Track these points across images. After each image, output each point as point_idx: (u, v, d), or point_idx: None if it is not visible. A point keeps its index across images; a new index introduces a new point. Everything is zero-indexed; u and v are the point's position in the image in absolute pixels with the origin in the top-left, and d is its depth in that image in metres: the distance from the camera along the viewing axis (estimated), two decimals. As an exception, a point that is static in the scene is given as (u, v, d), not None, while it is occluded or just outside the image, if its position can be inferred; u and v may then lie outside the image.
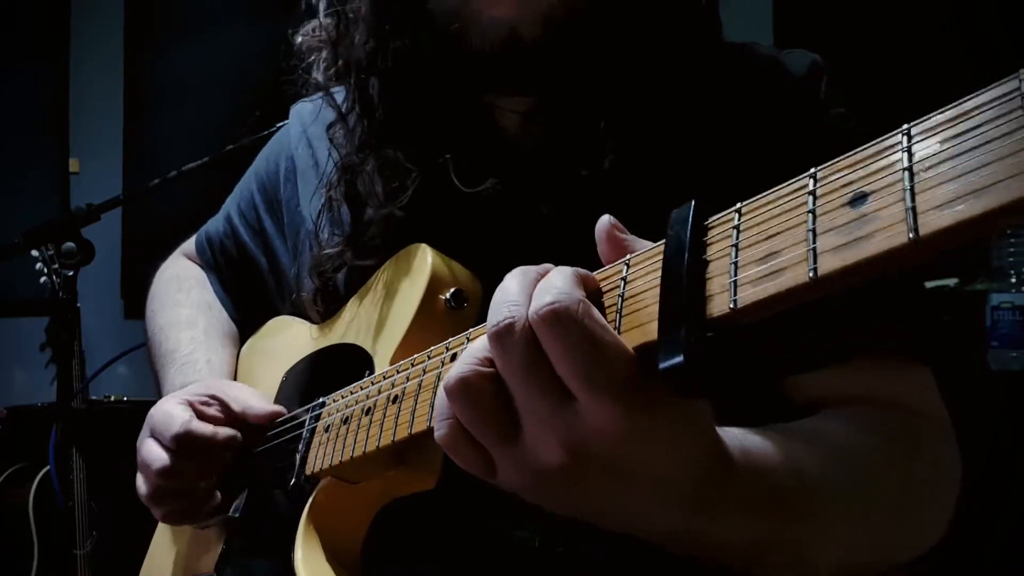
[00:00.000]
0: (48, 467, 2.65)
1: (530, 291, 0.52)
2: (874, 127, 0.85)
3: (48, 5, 3.96)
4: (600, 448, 0.52)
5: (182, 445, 0.89)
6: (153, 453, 0.90)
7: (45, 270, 2.42)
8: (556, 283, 0.52)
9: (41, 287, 2.43)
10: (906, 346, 0.79)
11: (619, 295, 0.55)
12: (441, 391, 0.55)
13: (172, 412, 0.90)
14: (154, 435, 0.91)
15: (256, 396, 0.94)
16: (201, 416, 0.92)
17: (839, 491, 0.68)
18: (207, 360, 1.07)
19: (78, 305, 2.42)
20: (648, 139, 0.82)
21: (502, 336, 0.52)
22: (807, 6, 3.27)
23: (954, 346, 0.81)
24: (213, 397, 0.93)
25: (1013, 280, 2.37)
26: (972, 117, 0.40)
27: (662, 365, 0.48)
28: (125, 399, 3.19)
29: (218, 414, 0.93)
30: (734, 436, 0.61)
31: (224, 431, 0.90)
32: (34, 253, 2.44)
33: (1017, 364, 2.31)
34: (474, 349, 0.54)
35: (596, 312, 0.51)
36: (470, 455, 0.56)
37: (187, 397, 0.93)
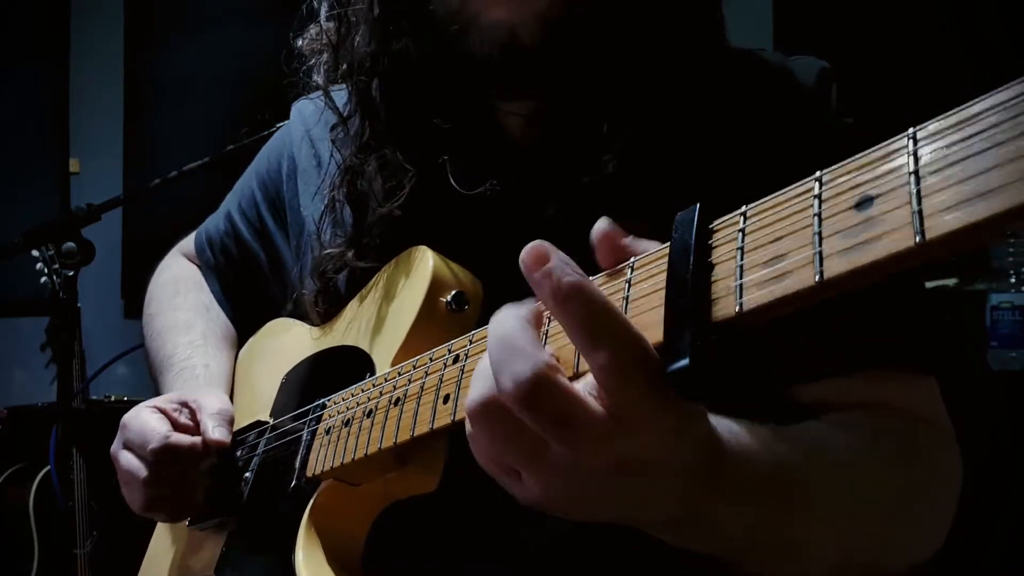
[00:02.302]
0: (48, 467, 2.65)
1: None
2: (876, 128, 0.85)
3: (48, 5, 3.96)
4: (637, 452, 0.52)
5: (162, 457, 0.90)
6: (134, 465, 0.91)
7: (45, 270, 2.42)
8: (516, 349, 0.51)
9: (41, 287, 2.43)
10: (910, 354, 0.79)
11: (623, 297, 0.54)
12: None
13: (148, 424, 0.91)
14: (130, 447, 0.92)
15: (215, 417, 0.93)
16: (175, 424, 0.93)
17: (834, 488, 0.68)
18: (205, 365, 1.07)
19: (78, 305, 2.42)
20: (653, 142, 0.81)
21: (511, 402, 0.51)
22: (807, 6, 3.27)
23: (955, 347, 0.81)
24: (184, 404, 0.94)
25: (1013, 280, 2.37)
26: (978, 121, 0.40)
27: (669, 368, 0.48)
28: (125, 399, 3.19)
29: (188, 421, 0.94)
30: (722, 421, 0.61)
31: (208, 437, 0.91)
32: (34, 253, 2.44)
33: (1017, 364, 2.32)
34: (486, 370, 0.53)
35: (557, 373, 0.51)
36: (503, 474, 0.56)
37: (159, 404, 0.94)
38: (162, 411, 0.93)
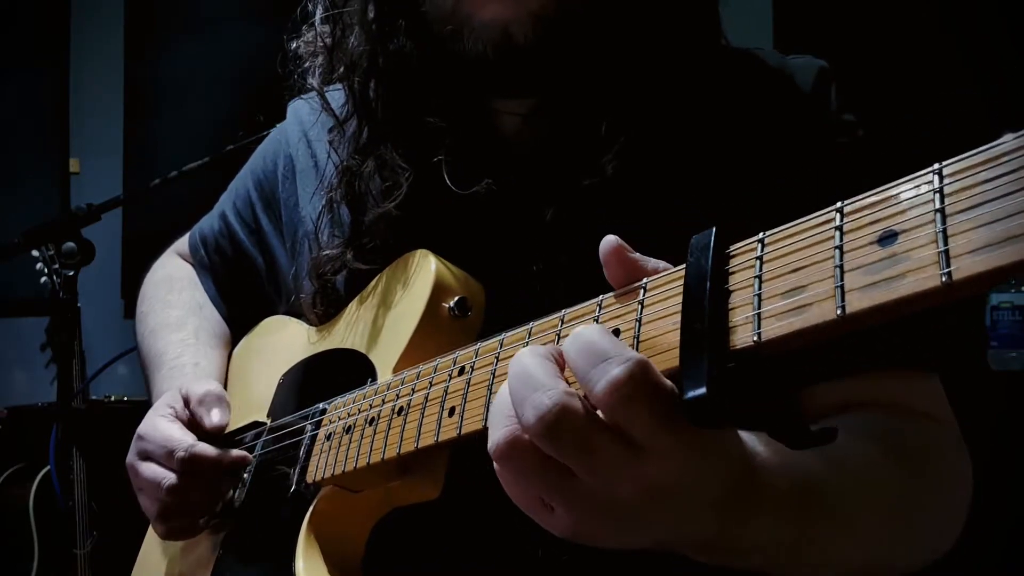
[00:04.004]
0: (48, 467, 2.65)
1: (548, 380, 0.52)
2: (876, 128, 0.85)
3: (48, 5, 3.96)
4: (666, 478, 0.52)
5: (187, 467, 0.89)
6: (158, 473, 0.90)
7: (45, 270, 2.42)
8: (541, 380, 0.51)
9: (41, 287, 2.43)
10: (916, 353, 0.79)
11: (636, 319, 0.54)
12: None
13: (170, 434, 0.91)
14: (152, 457, 0.91)
15: (204, 406, 0.93)
16: (188, 426, 0.92)
17: (855, 493, 0.68)
18: (195, 363, 1.06)
19: (78, 305, 2.43)
20: (652, 141, 0.81)
21: (539, 435, 0.51)
22: (807, 6, 3.27)
23: (959, 345, 0.81)
24: (185, 403, 0.94)
25: (1013, 280, 2.37)
26: (1006, 162, 0.39)
27: (686, 396, 0.47)
28: (125, 399, 3.19)
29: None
30: (749, 436, 0.60)
31: (231, 455, 0.91)
32: (34, 253, 2.44)
33: (1017, 364, 2.32)
34: (504, 408, 0.53)
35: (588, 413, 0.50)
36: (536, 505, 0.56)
37: (171, 408, 0.94)
38: (175, 416, 0.93)
